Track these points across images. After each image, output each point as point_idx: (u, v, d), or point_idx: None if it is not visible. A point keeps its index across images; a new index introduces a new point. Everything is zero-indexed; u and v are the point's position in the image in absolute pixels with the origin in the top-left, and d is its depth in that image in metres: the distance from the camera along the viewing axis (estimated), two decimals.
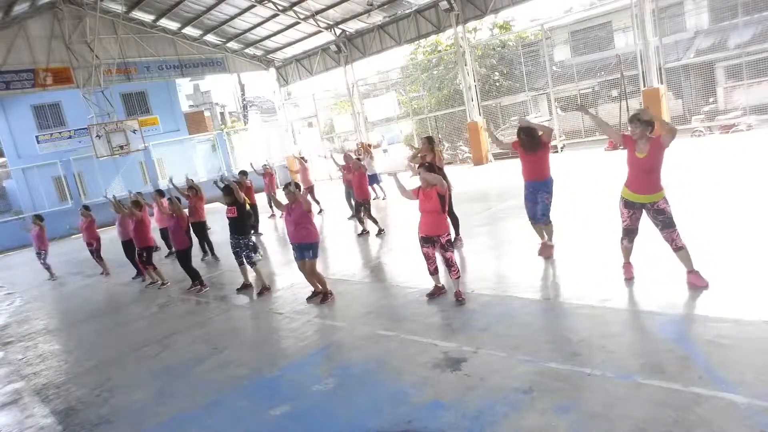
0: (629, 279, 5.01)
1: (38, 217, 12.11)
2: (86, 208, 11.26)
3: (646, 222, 4.82)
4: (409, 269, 6.93)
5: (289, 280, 7.69)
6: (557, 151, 17.25)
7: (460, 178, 14.77)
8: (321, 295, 6.36)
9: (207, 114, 33.56)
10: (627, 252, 5.05)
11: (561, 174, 12.78)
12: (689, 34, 19.74)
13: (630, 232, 4.91)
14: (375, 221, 9.67)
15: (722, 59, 16.35)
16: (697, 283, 4.59)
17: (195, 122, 29.90)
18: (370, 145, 15.24)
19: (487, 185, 13.29)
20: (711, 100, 16.30)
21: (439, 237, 5.34)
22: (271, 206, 13.96)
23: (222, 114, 40.60)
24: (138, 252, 9.05)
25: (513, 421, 3.25)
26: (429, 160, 7.44)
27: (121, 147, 19.67)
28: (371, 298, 6.29)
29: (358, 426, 3.58)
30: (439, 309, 5.36)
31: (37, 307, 9.62)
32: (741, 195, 7.41)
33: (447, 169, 7.81)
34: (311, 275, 6.35)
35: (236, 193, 7.16)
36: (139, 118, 21.93)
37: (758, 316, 3.89)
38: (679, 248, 4.65)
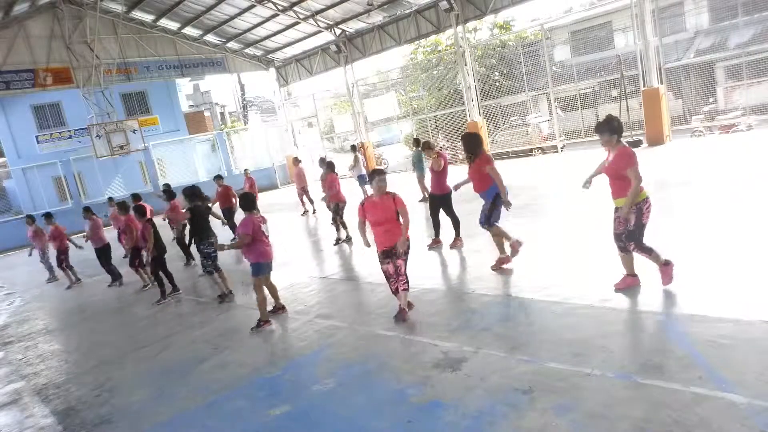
0: (620, 290, 4.81)
1: (30, 218, 11.90)
2: (50, 216, 10.87)
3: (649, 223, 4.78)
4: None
5: (288, 280, 7.68)
6: (557, 151, 17.26)
7: (460, 178, 14.75)
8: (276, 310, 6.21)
9: (207, 114, 33.57)
10: (625, 262, 4.84)
11: (561, 174, 12.82)
12: (689, 34, 19.75)
13: (616, 238, 4.75)
14: (344, 227, 9.49)
15: (722, 59, 16.35)
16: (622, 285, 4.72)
17: (195, 122, 29.90)
18: (364, 146, 15.26)
19: None
20: (711, 100, 16.31)
21: (397, 245, 5.01)
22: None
23: (222, 114, 40.64)
24: (132, 253, 8.99)
25: (513, 421, 3.25)
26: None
27: (121, 147, 19.68)
28: (371, 298, 6.29)
29: (358, 426, 3.58)
30: (439, 309, 5.36)
31: (37, 307, 9.63)
32: (741, 195, 7.41)
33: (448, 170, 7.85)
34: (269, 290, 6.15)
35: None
36: (139, 118, 21.96)
37: (758, 316, 3.89)
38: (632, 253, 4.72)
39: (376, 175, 5.04)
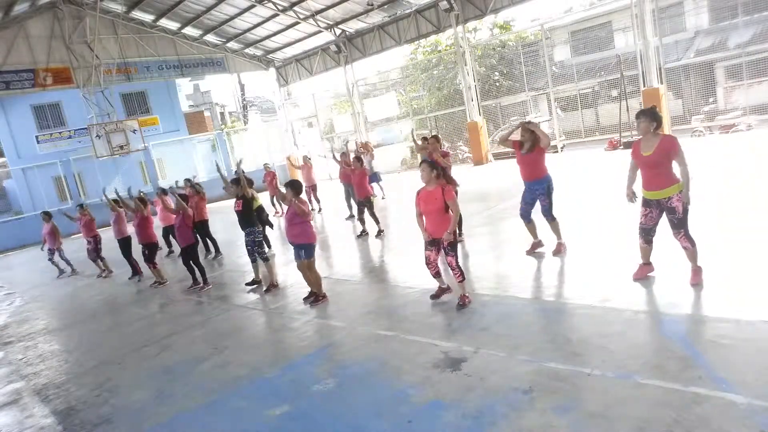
0: (638, 279, 4.94)
1: (47, 214, 12.05)
2: (82, 206, 11.19)
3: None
4: (409, 269, 6.94)
5: (289, 279, 7.69)
6: (557, 151, 17.26)
7: (460, 178, 14.78)
8: (312, 297, 6.34)
9: (207, 114, 33.56)
10: (644, 252, 4.95)
11: (561, 174, 12.81)
12: (689, 34, 19.74)
13: (645, 232, 4.84)
14: (377, 221, 9.61)
15: (722, 59, 16.35)
16: (692, 280, 4.65)
17: (195, 122, 29.90)
18: (368, 144, 15.24)
19: (487, 185, 13.28)
20: (711, 100, 16.30)
21: (441, 239, 5.17)
22: (273, 204, 14.17)
23: (222, 114, 40.63)
24: (142, 249, 9.07)
25: (513, 421, 3.25)
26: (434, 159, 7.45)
27: (121, 147, 19.68)
28: (371, 298, 6.29)
29: (358, 426, 3.58)
30: (439, 309, 5.36)
31: (37, 307, 9.62)
32: (741, 195, 7.41)
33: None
34: (306, 274, 6.34)
35: (244, 188, 7.29)
36: (139, 118, 21.95)
37: (758, 316, 3.89)
38: (684, 248, 4.68)
39: (421, 164, 5.32)
